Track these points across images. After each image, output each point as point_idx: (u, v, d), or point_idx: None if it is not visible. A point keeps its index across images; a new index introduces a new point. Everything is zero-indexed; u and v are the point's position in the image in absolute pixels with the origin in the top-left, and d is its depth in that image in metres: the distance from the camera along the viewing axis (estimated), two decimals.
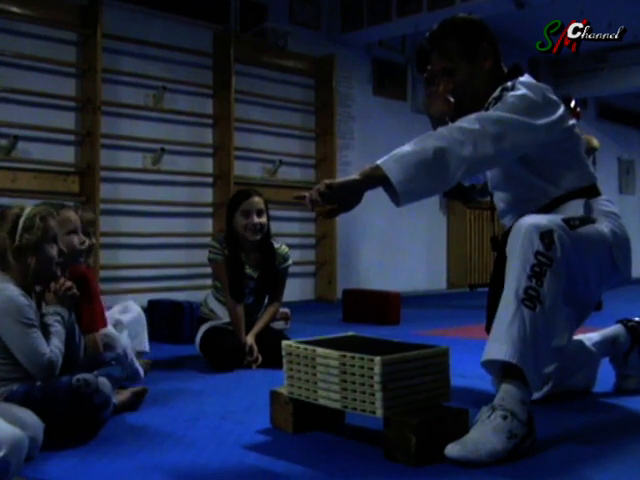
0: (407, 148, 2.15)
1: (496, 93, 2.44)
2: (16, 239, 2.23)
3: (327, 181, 2.15)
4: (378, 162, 2.13)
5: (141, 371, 2.87)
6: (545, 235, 2.13)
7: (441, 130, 2.23)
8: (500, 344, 2.07)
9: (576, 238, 2.22)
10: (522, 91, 2.34)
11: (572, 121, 2.47)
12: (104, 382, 2.23)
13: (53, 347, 2.22)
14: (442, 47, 2.52)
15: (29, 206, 2.36)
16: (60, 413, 2.13)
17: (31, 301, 2.24)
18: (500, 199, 2.64)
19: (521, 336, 2.06)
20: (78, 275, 2.66)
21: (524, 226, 2.16)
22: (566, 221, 2.23)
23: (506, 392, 2.06)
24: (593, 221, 2.36)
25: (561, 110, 2.39)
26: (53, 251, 2.27)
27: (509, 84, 2.43)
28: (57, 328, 2.27)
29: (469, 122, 2.22)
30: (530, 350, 2.06)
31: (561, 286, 2.16)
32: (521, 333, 2.06)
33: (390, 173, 2.10)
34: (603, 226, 2.37)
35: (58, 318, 2.29)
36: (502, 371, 2.12)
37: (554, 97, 2.41)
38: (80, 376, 2.19)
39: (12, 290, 2.19)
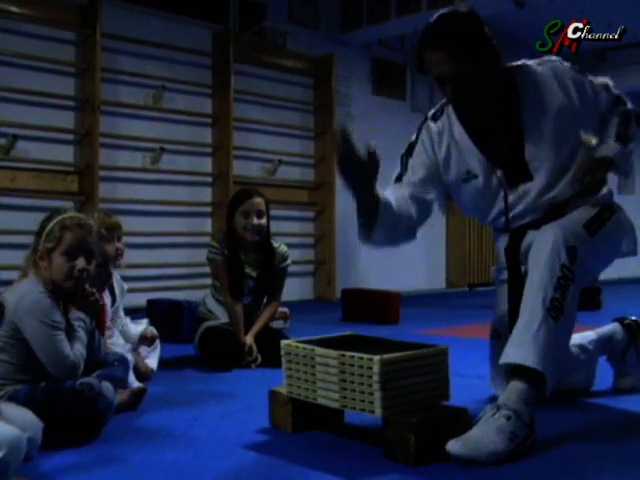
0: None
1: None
2: (40, 242, 2.24)
3: None
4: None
5: (136, 384, 2.84)
6: (571, 250, 2.17)
7: None
8: (527, 350, 2.10)
9: (595, 247, 2.27)
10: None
11: None
12: (107, 387, 2.22)
13: (76, 351, 2.22)
14: (452, 51, 2.26)
15: (71, 212, 2.36)
16: (62, 415, 2.12)
17: (57, 304, 2.24)
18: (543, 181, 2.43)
19: (547, 344, 2.10)
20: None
21: (552, 237, 2.19)
22: (587, 226, 2.28)
23: (513, 392, 2.07)
24: (612, 212, 2.40)
25: None
26: (65, 263, 2.24)
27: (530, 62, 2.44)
28: (80, 334, 2.27)
29: None
30: (552, 358, 2.11)
31: (577, 297, 2.21)
32: (547, 341, 2.10)
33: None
34: (621, 216, 2.44)
35: (81, 324, 2.29)
36: (510, 371, 2.13)
37: None
38: (84, 380, 2.19)
39: (39, 292, 2.20)
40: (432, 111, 2.58)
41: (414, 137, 2.59)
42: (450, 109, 2.50)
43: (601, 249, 2.33)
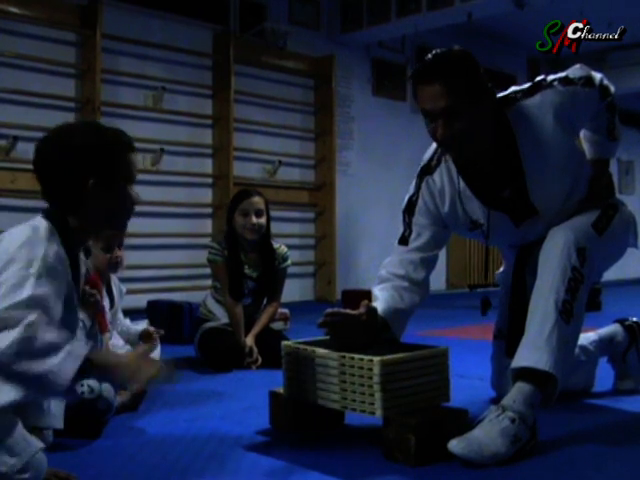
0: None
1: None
2: None
3: None
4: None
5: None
6: (581, 252, 2.17)
7: None
8: (541, 353, 2.09)
9: (603, 246, 2.27)
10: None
11: None
12: (107, 388, 2.24)
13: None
14: (448, 84, 2.12)
15: None
16: (63, 417, 2.12)
17: None
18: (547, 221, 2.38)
19: (559, 348, 2.10)
20: (89, 282, 2.69)
21: (563, 238, 2.19)
22: (595, 226, 2.27)
23: (519, 393, 2.07)
24: (616, 210, 2.38)
25: None
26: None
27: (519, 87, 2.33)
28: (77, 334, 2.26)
29: None
30: (562, 362, 2.10)
31: (585, 299, 2.21)
32: (559, 345, 2.10)
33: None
34: (625, 212, 2.43)
35: (80, 325, 2.28)
36: (517, 372, 2.13)
37: None
38: (85, 382, 2.19)
39: None
40: (426, 160, 2.43)
41: (413, 192, 2.44)
42: (450, 161, 2.36)
43: (608, 248, 2.33)
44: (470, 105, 2.13)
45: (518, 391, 2.09)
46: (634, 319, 2.86)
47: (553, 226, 2.30)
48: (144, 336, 3.17)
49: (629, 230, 2.46)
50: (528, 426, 2.03)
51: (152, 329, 3.20)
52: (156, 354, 3.25)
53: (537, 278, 2.22)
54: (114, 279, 3.17)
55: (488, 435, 1.98)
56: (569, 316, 2.13)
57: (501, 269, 2.74)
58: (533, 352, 2.11)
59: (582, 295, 2.17)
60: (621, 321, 2.85)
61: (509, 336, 2.43)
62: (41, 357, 1.53)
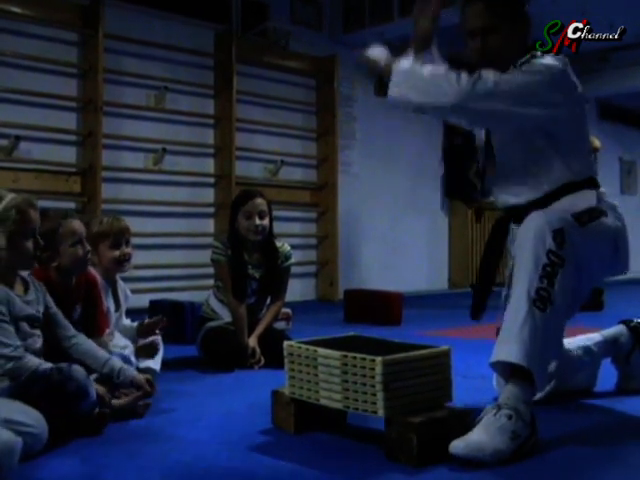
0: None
1: (525, 58, 2.36)
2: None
3: None
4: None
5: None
6: (557, 234, 2.11)
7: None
8: (511, 346, 2.08)
9: (585, 236, 2.21)
10: (540, 65, 2.31)
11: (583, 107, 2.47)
12: (77, 369, 2.16)
13: (29, 355, 2.15)
14: (488, 3, 2.36)
15: (9, 195, 2.25)
16: (36, 402, 2.06)
17: (8, 293, 2.19)
18: (506, 171, 2.46)
19: (532, 338, 2.06)
20: (86, 280, 2.68)
21: (536, 223, 2.14)
22: (576, 217, 2.22)
23: (512, 392, 2.07)
24: (601, 214, 2.32)
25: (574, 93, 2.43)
26: (29, 244, 2.22)
27: (539, 53, 2.37)
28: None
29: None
30: (539, 352, 2.07)
31: (570, 285, 2.14)
32: (532, 335, 2.06)
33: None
34: (610, 221, 2.34)
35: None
36: (508, 371, 2.13)
37: (572, 79, 2.42)
38: (54, 365, 2.15)
39: None
40: None
41: None
42: None
43: (593, 239, 2.24)
44: (505, 25, 2.35)
45: (510, 389, 2.09)
46: (639, 320, 2.85)
47: (508, 185, 2.41)
48: (146, 349, 3.14)
49: (614, 239, 2.36)
50: (526, 423, 2.03)
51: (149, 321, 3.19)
52: (159, 355, 3.25)
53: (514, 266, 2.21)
54: (120, 283, 3.17)
55: (487, 434, 1.98)
56: (546, 303, 2.07)
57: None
58: (505, 346, 2.10)
59: (562, 280, 2.10)
60: (626, 322, 2.84)
61: (472, 305, 2.44)
62: None
